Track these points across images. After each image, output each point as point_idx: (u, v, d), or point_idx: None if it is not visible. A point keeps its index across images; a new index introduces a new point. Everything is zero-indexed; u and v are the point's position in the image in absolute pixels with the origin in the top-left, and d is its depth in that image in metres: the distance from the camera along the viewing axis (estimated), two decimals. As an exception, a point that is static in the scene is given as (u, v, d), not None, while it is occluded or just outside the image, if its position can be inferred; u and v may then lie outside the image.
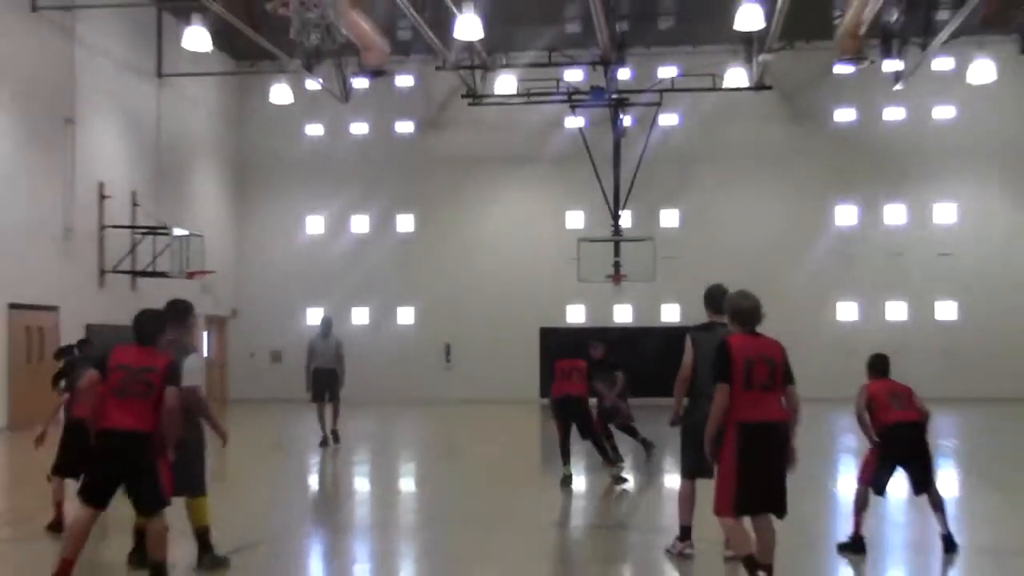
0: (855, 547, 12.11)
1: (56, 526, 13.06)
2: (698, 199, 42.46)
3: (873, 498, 12.41)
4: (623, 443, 20.33)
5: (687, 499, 11.66)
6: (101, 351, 10.93)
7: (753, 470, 9.60)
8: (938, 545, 12.12)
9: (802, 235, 41.96)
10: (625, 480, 17.83)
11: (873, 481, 12.39)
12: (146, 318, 10.44)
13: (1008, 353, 40.32)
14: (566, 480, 17.55)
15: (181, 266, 35.26)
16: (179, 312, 11.73)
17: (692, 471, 11.55)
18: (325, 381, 24.64)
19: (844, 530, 12.56)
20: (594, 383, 18.62)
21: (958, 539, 12.12)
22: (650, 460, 20.62)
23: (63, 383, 13.92)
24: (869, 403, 12.34)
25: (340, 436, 24.45)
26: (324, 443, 24.10)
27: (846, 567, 11.71)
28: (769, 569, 9.63)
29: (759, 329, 10.00)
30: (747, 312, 10.05)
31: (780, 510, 9.79)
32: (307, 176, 43.91)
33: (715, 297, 11.66)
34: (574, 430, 17.78)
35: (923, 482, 12.35)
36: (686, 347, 11.63)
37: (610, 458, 18.03)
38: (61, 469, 13.09)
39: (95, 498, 9.85)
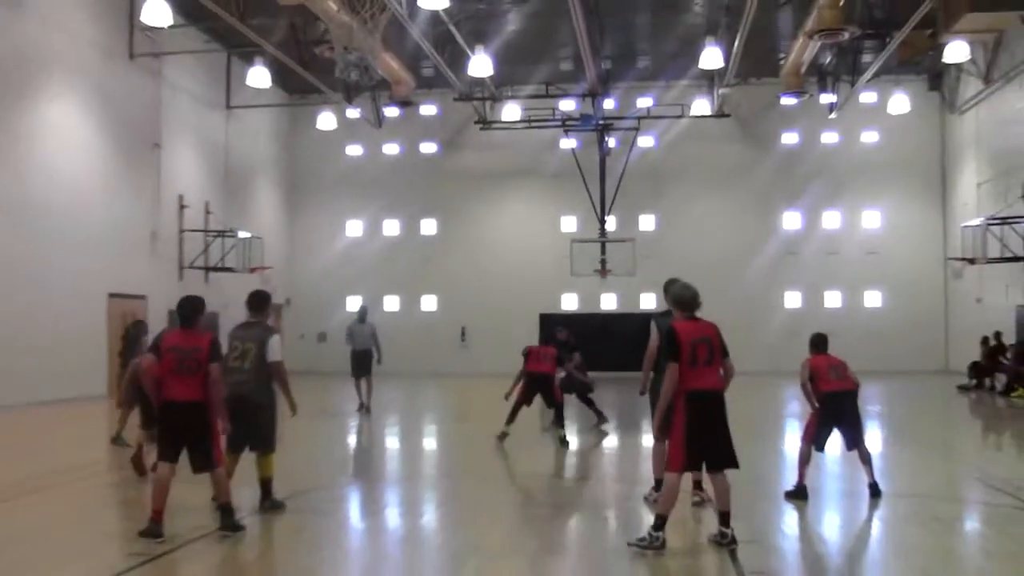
0: (799, 494, 12.18)
1: (136, 461, 13.71)
2: (670, 207, 42.57)
3: (813, 453, 12.46)
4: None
5: (659, 456, 11.27)
6: (155, 337, 11.27)
7: (699, 431, 9.66)
8: (866, 492, 12.24)
9: (755, 237, 42.06)
10: (568, 443, 17.64)
11: (814, 439, 12.52)
12: (187, 303, 10.61)
13: (922, 333, 40.73)
14: (503, 436, 17.74)
15: (244, 263, 35.49)
16: (260, 301, 11.80)
17: (664, 435, 11.00)
18: (361, 360, 24.70)
19: (790, 480, 12.62)
20: (563, 360, 19.03)
21: (882, 486, 12.23)
22: (598, 427, 20.45)
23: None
24: (812, 374, 12.52)
25: (371, 409, 24.33)
26: (359, 408, 24.26)
27: (792, 511, 11.75)
28: (726, 516, 9.73)
29: (698, 314, 10.17)
30: (687, 300, 10.24)
31: (731, 463, 9.81)
32: (347, 188, 44.05)
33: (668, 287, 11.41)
34: (537, 400, 18.16)
35: (854, 440, 12.49)
36: (651, 330, 11.78)
37: (561, 423, 18.06)
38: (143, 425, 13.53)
39: (168, 456, 10.15)
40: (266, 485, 11.37)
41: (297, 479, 13.26)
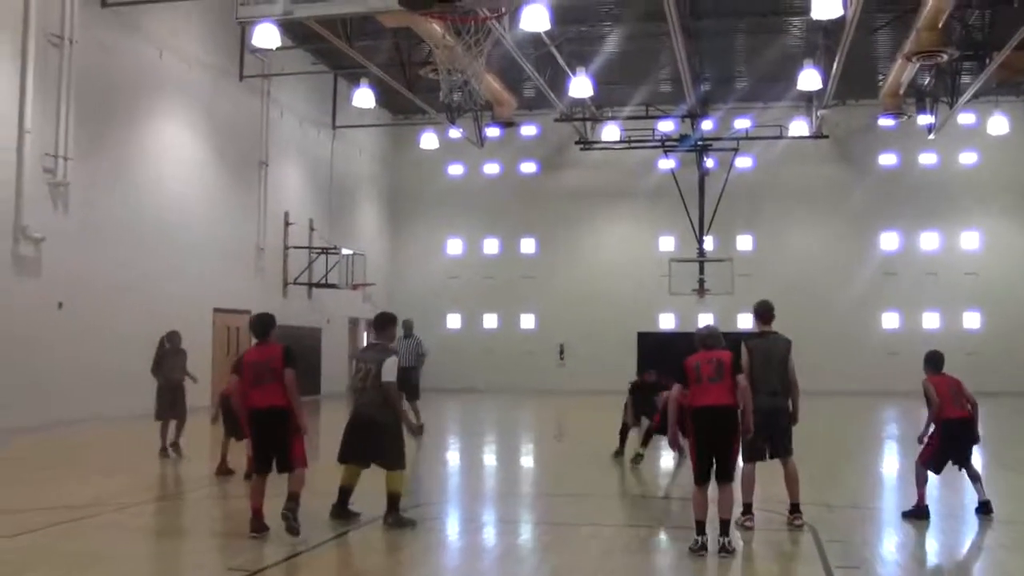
0: (920, 515, 11.92)
1: (222, 470, 15.29)
2: (767, 227, 42.26)
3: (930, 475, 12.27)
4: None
5: (748, 481, 11.40)
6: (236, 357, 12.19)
7: (706, 445, 10.36)
8: (967, 515, 12.06)
9: (852, 257, 41.59)
10: (641, 456, 17.14)
11: (931, 462, 12.23)
12: (258, 320, 11.25)
13: (1022, 354, 39.78)
14: (638, 457, 17.11)
15: (347, 279, 35.78)
16: (384, 322, 12.22)
17: (751, 456, 11.36)
18: (403, 378, 23.05)
19: (891, 502, 12.44)
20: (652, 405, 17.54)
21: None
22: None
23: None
24: (933, 396, 12.20)
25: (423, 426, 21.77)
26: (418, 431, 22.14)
27: (893, 534, 11.58)
28: (726, 525, 10.19)
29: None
30: (702, 338, 10.88)
31: (726, 477, 10.35)
32: (448, 207, 44.22)
33: (761, 310, 12.16)
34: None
35: (965, 459, 12.22)
36: (742, 352, 11.39)
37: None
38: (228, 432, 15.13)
39: (260, 468, 10.86)
40: (394, 500, 11.38)
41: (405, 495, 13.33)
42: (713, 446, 10.31)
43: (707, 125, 40.41)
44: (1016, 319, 40.41)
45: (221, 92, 31.01)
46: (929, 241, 41.97)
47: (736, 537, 10.48)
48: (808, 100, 39.07)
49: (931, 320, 41.53)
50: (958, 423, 12.18)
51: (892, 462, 19.86)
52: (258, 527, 10.53)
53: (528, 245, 44.27)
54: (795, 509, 11.53)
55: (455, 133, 40.66)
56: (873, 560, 10.33)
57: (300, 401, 10.82)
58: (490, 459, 20.65)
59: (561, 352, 42.76)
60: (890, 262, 41.94)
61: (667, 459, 17.91)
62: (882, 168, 42.17)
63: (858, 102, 39.69)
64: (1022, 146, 40.84)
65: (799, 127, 40.28)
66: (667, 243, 42.57)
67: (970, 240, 41.75)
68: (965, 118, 40.17)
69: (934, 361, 12.67)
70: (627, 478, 16.34)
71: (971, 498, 12.22)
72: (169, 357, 18.33)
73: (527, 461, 20.57)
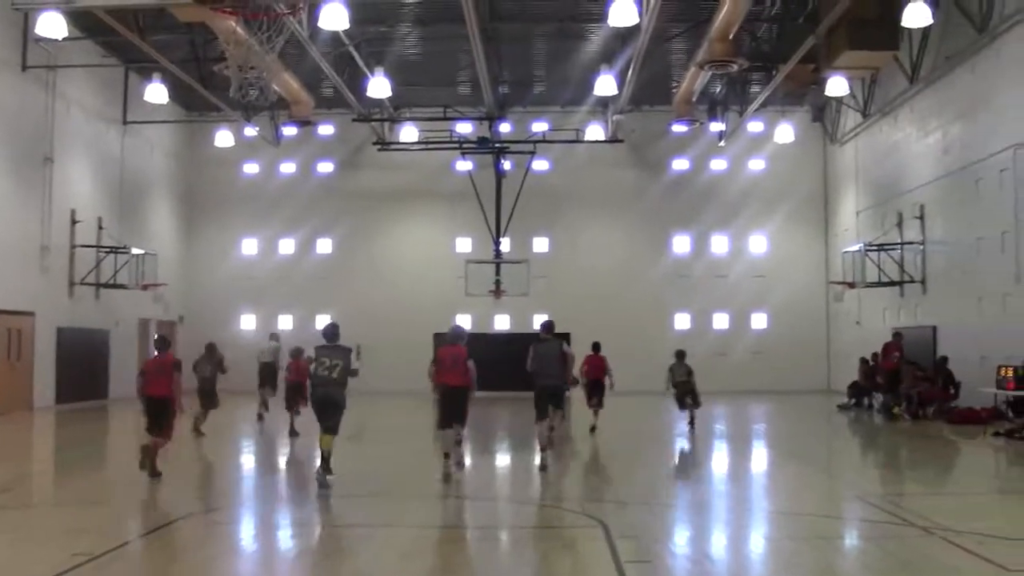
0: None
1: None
2: (564, 229, 42.87)
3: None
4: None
5: (539, 433, 17.23)
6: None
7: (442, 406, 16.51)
8: (754, 511, 12.28)
9: (646, 260, 42.56)
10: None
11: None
12: (331, 327, 16.03)
13: (805, 354, 41.52)
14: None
15: (138, 279, 34.95)
16: (336, 329, 16.08)
17: (539, 416, 17.24)
18: (266, 373, 28.05)
19: (700, 496, 12.61)
20: None
21: (767, 505, 12.38)
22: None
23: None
24: None
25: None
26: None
27: (683, 528, 11.80)
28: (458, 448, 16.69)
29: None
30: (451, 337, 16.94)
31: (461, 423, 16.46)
32: (244, 206, 43.62)
33: (545, 327, 18.16)
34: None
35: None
36: (530, 350, 17.67)
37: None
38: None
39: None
40: (327, 458, 15.18)
41: (183, 504, 13.10)
42: (449, 408, 16.26)
43: (505, 128, 40.69)
44: (800, 320, 42.08)
45: (1, 82, 29.81)
46: (719, 244, 43.19)
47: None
48: (604, 105, 39.78)
49: (721, 320, 42.77)
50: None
51: (683, 459, 20.34)
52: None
53: (325, 245, 43.92)
54: (544, 450, 17.12)
55: (251, 131, 40.06)
56: (664, 554, 10.56)
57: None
58: (284, 461, 20.41)
59: (358, 353, 42.30)
60: (682, 264, 43.02)
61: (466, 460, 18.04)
62: (675, 173, 43.21)
63: (653, 108, 40.52)
64: (806, 154, 42.64)
65: (595, 131, 40.99)
66: (464, 244, 42.78)
67: (758, 243, 43.13)
68: (754, 126, 41.71)
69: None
70: (423, 479, 16.35)
71: (761, 495, 12.55)
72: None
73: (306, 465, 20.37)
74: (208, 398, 23.19)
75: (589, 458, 20.19)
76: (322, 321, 42.20)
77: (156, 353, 16.77)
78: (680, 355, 25.03)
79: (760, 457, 21.17)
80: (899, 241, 33.17)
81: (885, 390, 29.16)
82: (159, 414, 15.83)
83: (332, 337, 15.79)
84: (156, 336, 18.97)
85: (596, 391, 23.38)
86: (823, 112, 42.38)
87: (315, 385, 15.50)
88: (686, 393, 24.62)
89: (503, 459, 20.49)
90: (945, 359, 28.17)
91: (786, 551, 10.84)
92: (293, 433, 22.57)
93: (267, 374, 28.03)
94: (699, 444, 22.38)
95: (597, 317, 39.13)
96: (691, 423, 24.43)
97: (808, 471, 17.88)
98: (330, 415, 15.27)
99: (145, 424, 15.93)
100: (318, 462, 15.24)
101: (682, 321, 42.78)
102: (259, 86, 23.84)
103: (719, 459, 20.67)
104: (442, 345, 16.98)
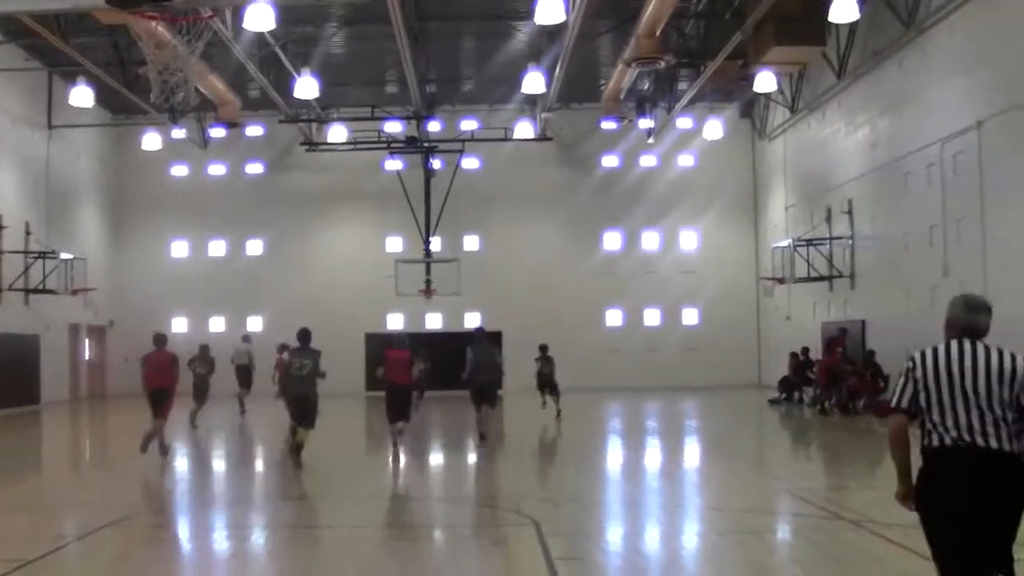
0: None
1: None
2: (494, 227, 42.96)
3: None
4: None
5: (478, 420, 20.02)
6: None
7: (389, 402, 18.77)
8: (686, 507, 12.41)
9: (577, 257, 42.69)
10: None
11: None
12: (304, 331, 17.87)
13: (736, 349, 41.81)
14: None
15: (67, 284, 34.61)
16: (307, 333, 17.87)
17: (476, 406, 20.12)
18: (242, 375, 30.49)
19: (631, 493, 12.71)
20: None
21: (697, 500, 12.51)
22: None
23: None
24: None
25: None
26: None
27: (614, 526, 11.89)
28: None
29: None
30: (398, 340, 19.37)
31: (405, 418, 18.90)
32: (172, 209, 43.20)
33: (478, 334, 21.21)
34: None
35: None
36: (467, 351, 20.18)
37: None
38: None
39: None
40: (299, 448, 17.26)
41: (116, 508, 13.07)
42: (398, 404, 18.67)
43: (433, 126, 40.76)
44: (731, 315, 42.37)
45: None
46: (650, 240, 43.43)
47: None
48: (533, 103, 39.85)
49: (652, 316, 43.03)
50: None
51: (614, 456, 20.51)
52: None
53: (255, 247, 43.70)
54: (483, 438, 19.87)
55: (178, 134, 39.81)
56: (595, 551, 10.69)
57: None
58: (219, 465, 20.35)
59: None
60: (613, 261, 43.21)
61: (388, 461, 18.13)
62: (604, 170, 43.39)
63: (581, 105, 40.74)
64: (735, 150, 42.97)
65: (524, 129, 41.02)
66: (395, 244, 42.73)
67: (688, 239, 43.44)
68: (683, 122, 41.86)
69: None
70: (358, 480, 16.40)
71: (692, 491, 12.70)
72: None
73: (258, 465, 20.31)
74: (201, 394, 25.60)
75: (524, 456, 20.30)
76: (253, 323, 42.32)
77: (155, 348, 18.88)
78: (544, 348, 27.96)
79: (691, 453, 21.38)
80: (828, 236, 33.40)
81: (824, 385, 29.42)
82: (160, 401, 18.11)
83: (305, 340, 17.72)
84: (155, 333, 19.89)
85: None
86: (752, 108, 42.73)
87: (292, 385, 17.82)
88: (545, 385, 27.81)
89: (438, 458, 20.59)
90: (872, 353, 28.59)
91: (716, 546, 11.01)
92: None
93: (243, 376, 29.92)
94: (631, 441, 22.57)
95: (529, 315, 39.32)
96: (558, 414, 27.08)
97: (739, 466, 18.02)
98: (305, 411, 17.35)
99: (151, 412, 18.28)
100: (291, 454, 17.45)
101: (613, 317, 43.03)
102: (182, 89, 23.67)
103: (650, 456, 20.86)
104: (390, 348, 19.13)
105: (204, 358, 26.07)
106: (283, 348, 25.04)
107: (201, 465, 19.87)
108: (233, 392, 30.08)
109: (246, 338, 32.58)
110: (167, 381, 18.27)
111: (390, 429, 18.74)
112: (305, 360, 17.36)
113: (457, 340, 32.02)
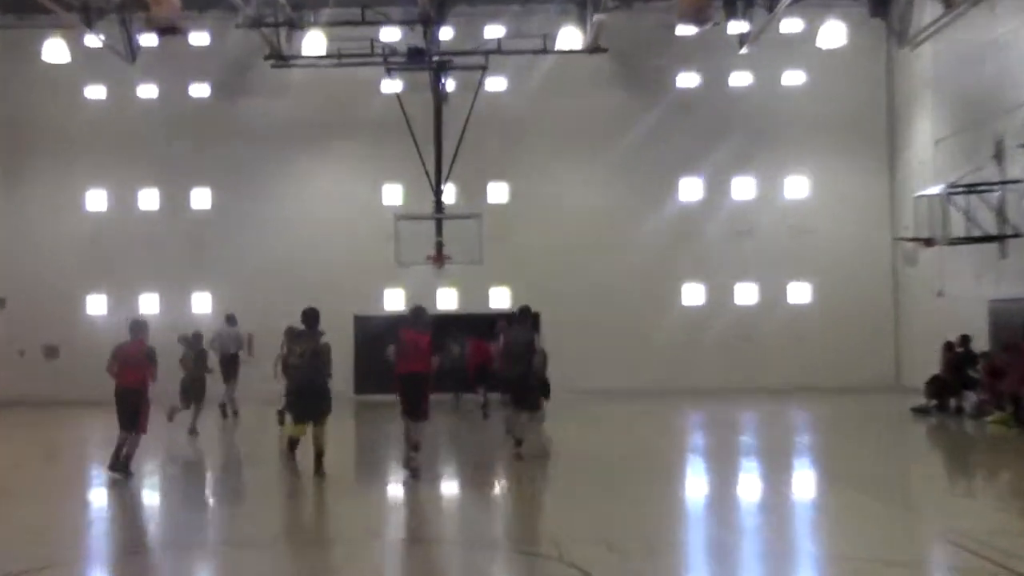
0: None
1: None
2: (528, 172, 42.76)
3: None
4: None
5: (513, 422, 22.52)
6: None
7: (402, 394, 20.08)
8: (804, 558, 12.23)
9: (640, 212, 42.41)
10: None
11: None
12: (311, 312, 19.63)
13: (864, 338, 41.33)
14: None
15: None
16: (315, 315, 19.77)
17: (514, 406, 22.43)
18: (227, 364, 32.54)
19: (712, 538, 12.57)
20: None
21: (816, 546, 12.28)
22: None
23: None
24: None
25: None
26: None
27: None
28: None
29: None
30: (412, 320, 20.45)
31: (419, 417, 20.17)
32: (87, 146, 43.18)
33: (518, 314, 22.75)
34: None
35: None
36: (500, 338, 22.65)
37: None
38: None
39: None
40: (320, 456, 19.45)
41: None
42: (409, 396, 19.82)
43: (446, 34, 40.56)
44: (857, 292, 41.93)
45: None
46: (742, 189, 43.19)
47: None
48: (582, 3, 39.56)
49: (746, 293, 42.79)
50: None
51: (695, 484, 20.29)
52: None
53: (201, 198, 43.69)
54: (519, 443, 21.67)
55: (94, 42, 39.62)
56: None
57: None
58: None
59: (250, 345, 41.87)
60: (691, 217, 42.92)
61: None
62: (680, 92, 43.14)
63: (647, 4, 40.47)
64: (863, 63, 42.53)
65: (569, 37, 40.50)
66: (393, 194, 42.81)
67: (796, 187, 43.15)
68: (789, 26, 41.40)
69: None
70: (350, 513, 16.32)
71: (805, 534, 12.47)
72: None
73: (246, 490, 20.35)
74: (200, 394, 27.79)
75: (572, 482, 20.10)
76: (199, 301, 42.29)
77: (129, 338, 19.65)
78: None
79: (804, 481, 21.17)
80: (998, 180, 32.83)
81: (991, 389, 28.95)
82: (127, 404, 19.16)
83: (311, 323, 19.67)
84: (131, 320, 20.57)
85: None
86: (887, 4, 42.28)
87: (291, 375, 20.23)
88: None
89: (455, 485, 20.53)
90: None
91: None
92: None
93: (230, 368, 31.57)
94: (717, 463, 22.37)
95: (573, 290, 39.18)
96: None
97: (872, 501, 17.77)
98: (309, 404, 19.57)
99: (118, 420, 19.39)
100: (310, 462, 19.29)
101: (692, 295, 42.83)
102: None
103: (746, 484, 20.64)
104: (407, 328, 20.32)
105: (198, 350, 28.35)
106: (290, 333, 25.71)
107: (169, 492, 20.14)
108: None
109: (231, 319, 34.03)
110: (134, 380, 19.23)
111: (404, 428, 20.13)
112: (306, 344, 19.39)
113: (477, 325, 31.93)
